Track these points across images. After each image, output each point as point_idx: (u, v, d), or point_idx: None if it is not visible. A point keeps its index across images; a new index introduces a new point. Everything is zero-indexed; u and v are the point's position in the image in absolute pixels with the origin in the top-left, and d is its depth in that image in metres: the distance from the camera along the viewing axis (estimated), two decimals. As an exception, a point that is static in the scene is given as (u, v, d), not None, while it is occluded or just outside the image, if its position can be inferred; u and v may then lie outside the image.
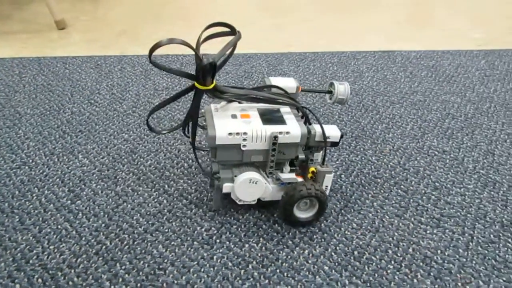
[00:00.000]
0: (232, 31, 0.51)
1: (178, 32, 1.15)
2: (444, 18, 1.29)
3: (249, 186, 0.49)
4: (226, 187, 0.50)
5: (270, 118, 0.51)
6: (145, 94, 0.81)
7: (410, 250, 0.50)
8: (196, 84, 0.48)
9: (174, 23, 1.21)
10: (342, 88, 0.55)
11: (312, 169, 0.52)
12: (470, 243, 0.51)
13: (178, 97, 0.51)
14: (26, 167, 0.61)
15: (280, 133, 0.49)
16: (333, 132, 0.51)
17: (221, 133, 0.48)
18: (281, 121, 0.50)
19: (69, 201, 0.55)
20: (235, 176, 0.50)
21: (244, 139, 0.48)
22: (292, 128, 0.49)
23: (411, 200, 0.57)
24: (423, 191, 0.59)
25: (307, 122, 0.53)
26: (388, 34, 1.15)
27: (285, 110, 0.53)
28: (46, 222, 0.52)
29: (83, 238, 0.50)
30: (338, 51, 1.03)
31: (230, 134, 0.48)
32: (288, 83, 0.54)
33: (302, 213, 0.52)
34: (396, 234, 0.52)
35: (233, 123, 0.49)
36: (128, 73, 0.89)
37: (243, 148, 0.49)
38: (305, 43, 1.08)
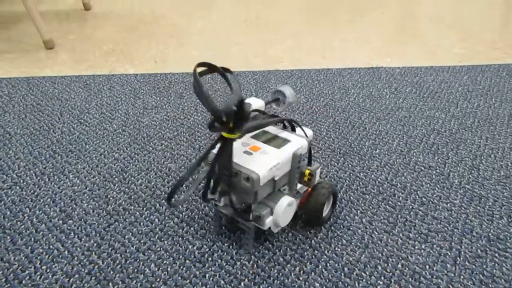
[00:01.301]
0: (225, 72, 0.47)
1: (168, 50, 1.16)
2: (428, 33, 1.32)
3: (287, 210, 0.50)
4: (268, 222, 0.49)
5: (275, 141, 0.51)
6: (135, 113, 0.82)
7: (399, 265, 0.51)
8: (226, 134, 0.44)
9: (163, 41, 1.22)
10: (288, 91, 0.56)
11: (307, 171, 0.51)
12: (458, 258, 0.52)
13: (201, 161, 0.46)
14: (17, 187, 0.61)
15: (298, 149, 0.50)
16: (309, 132, 0.54)
17: (263, 172, 0.45)
18: (286, 139, 0.51)
19: (60, 221, 0.55)
20: (272, 208, 0.49)
21: (277, 169, 0.48)
22: (300, 140, 0.51)
23: (399, 216, 0.58)
24: (410, 207, 0.60)
25: (293, 131, 0.54)
26: (373, 50, 1.17)
27: (271, 129, 0.54)
28: (38, 242, 0.52)
29: (75, 258, 0.50)
30: (324, 68, 1.05)
31: (270, 169, 0.46)
32: (258, 103, 0.55)
33: (324, 212, 0.55)
34: (385, 250, 0.53)
35: (261, 159, 0.47)
36: (117, 92, 0.90)
37: (276, 179, 0.49)
38: (292, 60, 1.10)
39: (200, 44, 1.21)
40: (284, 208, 0.49)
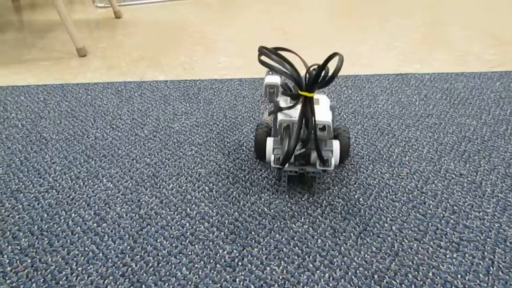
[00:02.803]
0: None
1: (196, 57, 1.18)
2: (457, 39, 1.30)
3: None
4: (333, 163, 0.60)
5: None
6: (165, 119, 0.83)
7: (430, 274, 0.50)
8: (307, 94, 0.55)
9: (192, 48, 1.24)
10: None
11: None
12: (491, 268, 0.51)
13: (301, 119, 0.56)
14: (54, 191, 0.63)
15: (330, 101, 0.65)
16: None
17: (331, 121, 0.58)
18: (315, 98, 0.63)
19: (95, 224, 0.57)
20: (331, 150, 0.61)
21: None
22: (323, 97, 0.65)
23: (430, 224, 0.57)
24: (441, 215, 0.59)
25: None
26: (401, 57, 1.17)
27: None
28: (73, 244, 0.53)
29: (110, 260, 0.51)
30: (352, 75, 1.05)
31: (332, 119, 0.60)
32: (276, 79, 0.63)
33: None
34: (415, 258, 0.52)
35: (319, 113, 0.59)
36: (148, 99, 0.92)
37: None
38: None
39: (228, 51, 1.22)
40: (338, 149, 0.61)
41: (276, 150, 0.61)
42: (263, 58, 0.58)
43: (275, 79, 0.61)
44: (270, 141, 0.62)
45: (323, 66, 0.53)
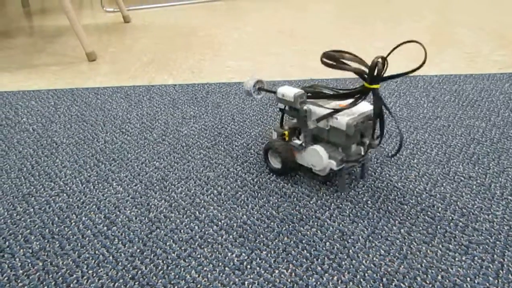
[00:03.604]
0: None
1: (204, 60, 1.18)
2: (465, 40, 1.30)
3: None
4: None
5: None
6: (174, 123, 0.84)
7: (439, 277, 0.50)
8: (375, 86, 0.57)
9: (200, 52, 1.25)
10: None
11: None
12: (500, 271, 0.51)
13: (388, 110, 0.59)
14: (64, 195, 0.64)
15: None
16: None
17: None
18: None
19: (105, 227, 0.57)
20: None
21: None
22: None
23: (439, 227, 0.57)
24: (450, 218, 0.59)
25: None
26: (409, 58, 1.16)
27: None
28: (84, 248, 0.54)
29: (120, 263, 0.52)
30: (360, 78, 1.04)
31: None
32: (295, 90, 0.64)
33: None
34: (424, 261, 0.52)
35: (362, 108, 0.61)
36: (156, 103, 0.93)
37: None
38: (328, 69, 1.10)
39: (236, 55, 1.23)
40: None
41: (333, 153, 0.62)
42: (325, 60, 0.61)
43: (294, 89, 0.63)
44: (321, 149, 0.61)
45: (386, 57, 0.59)
